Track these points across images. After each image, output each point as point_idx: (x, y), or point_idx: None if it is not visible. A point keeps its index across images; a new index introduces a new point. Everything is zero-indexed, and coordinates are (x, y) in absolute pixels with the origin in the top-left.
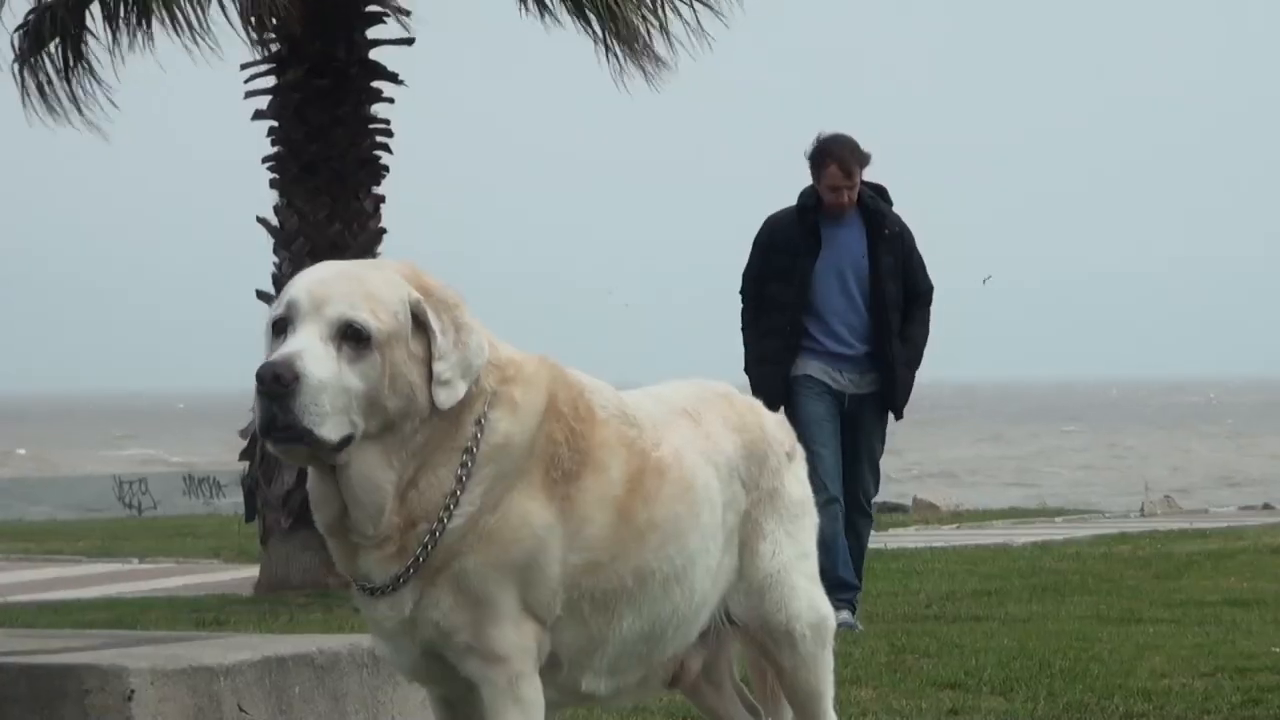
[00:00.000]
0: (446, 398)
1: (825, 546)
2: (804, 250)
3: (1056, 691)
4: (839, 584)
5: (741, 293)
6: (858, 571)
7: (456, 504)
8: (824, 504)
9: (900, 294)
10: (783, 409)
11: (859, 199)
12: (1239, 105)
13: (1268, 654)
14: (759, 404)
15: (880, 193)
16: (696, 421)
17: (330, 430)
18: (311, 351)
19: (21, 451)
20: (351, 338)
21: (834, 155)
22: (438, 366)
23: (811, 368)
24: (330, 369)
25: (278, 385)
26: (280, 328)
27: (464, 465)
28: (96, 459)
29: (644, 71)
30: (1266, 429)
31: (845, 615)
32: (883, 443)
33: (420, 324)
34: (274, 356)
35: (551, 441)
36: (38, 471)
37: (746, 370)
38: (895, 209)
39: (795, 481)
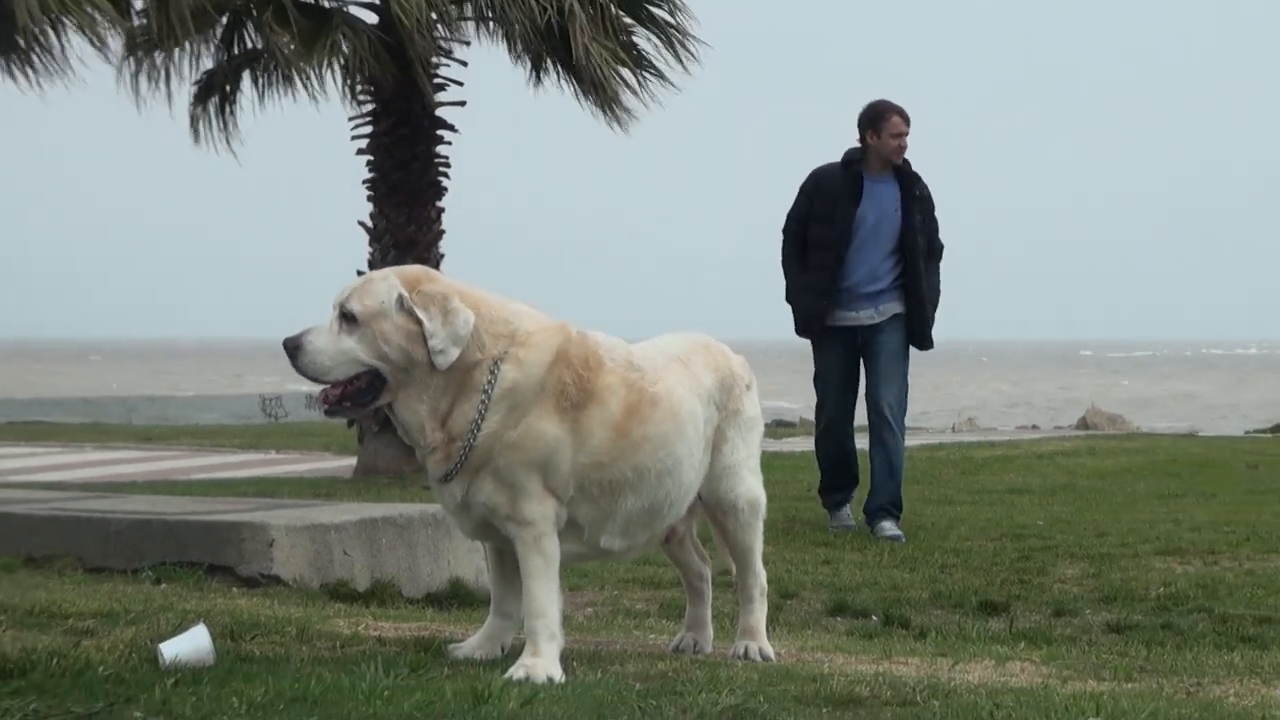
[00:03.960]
0: (441, 361)
1: (826, 459)
2: (846, 197)
3: (897, 548)
4: (838, 485)
5: (784, 231)
6: (894, 484)
7: (479, 428)
8: (825, 429)
9: (925, 246)
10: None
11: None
12: None
13: (1034, 526)
14: (727, 349)
15: (906, 162)
16: (686, 365)
17: (338, 374)
18: (318, 329)
19: (191, 367)
20: (347, 318)
21: (894, 108)
22: (430, 341)
23: (833, 316)
24: (327, 339)
25: (287, 351)
26: None
27: (483, 403)
28: (247, 383)
29: (614, 115)
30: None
31: (845, 516)
32: (902, 363)
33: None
34: (291, 334)
35: (561, 382)
36: (208, 390)
37: (789, 299)
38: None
39: (751, 404)
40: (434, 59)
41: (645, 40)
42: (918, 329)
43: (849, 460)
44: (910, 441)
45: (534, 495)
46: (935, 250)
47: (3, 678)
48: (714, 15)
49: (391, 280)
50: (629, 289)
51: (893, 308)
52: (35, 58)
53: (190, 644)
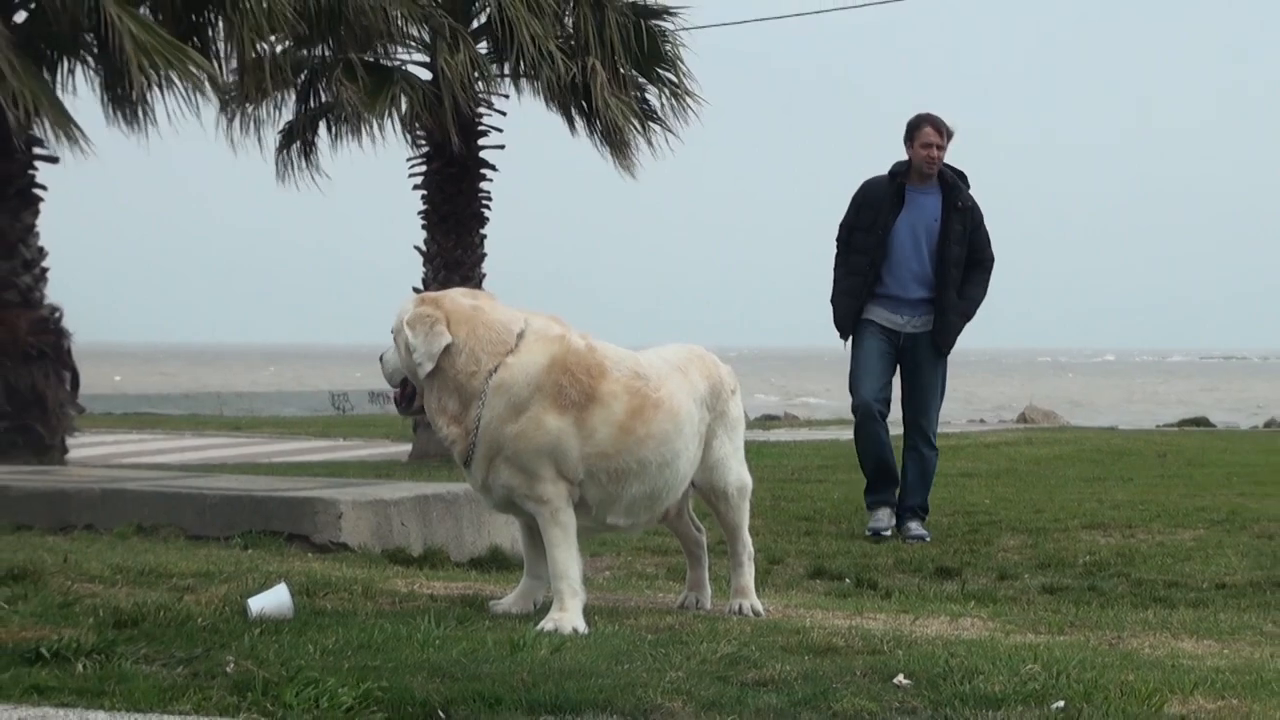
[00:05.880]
0: (420, 371)
1: (867, 456)
2: (888, 207)
3: (866, 522)
4: (879, 488)
5: (837, 239)
6: (924, 491)
7: (479, 423)
8: (862, 422)
9: (963, 256)
10: (849, 340)
11: (943, 177)
12: None
13: (982, 504)
14: (717, 359)
15: (960, 176)
16: (684, 373)
17: (395, 380)
18: (391, 346)
19: (272, 368)
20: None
21: (928, 119)
22: (413, 355)
23: (876, 314)
24: (390, 353)
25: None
26: None
27: (479, 404)
28: (320, 381)
29: (628, 160)
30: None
31: (882, 518)
32: (941, 377)
33: None
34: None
35: (557, 385)
36: (288, 387)
37: (831, 300)
38: (970, 191)
39: (735, 406)
40: (478, 109)
41: (655, 97)
42: (938, 333)
43: (889, 462)
44: None
45: (547, 478)
46: (981, 261)
47: (118, 627)
48: (711, 76)
49: (407, 305)
50: (641, 297)
51: (931, 320)
52: (143, 110)
53: (273, 599)
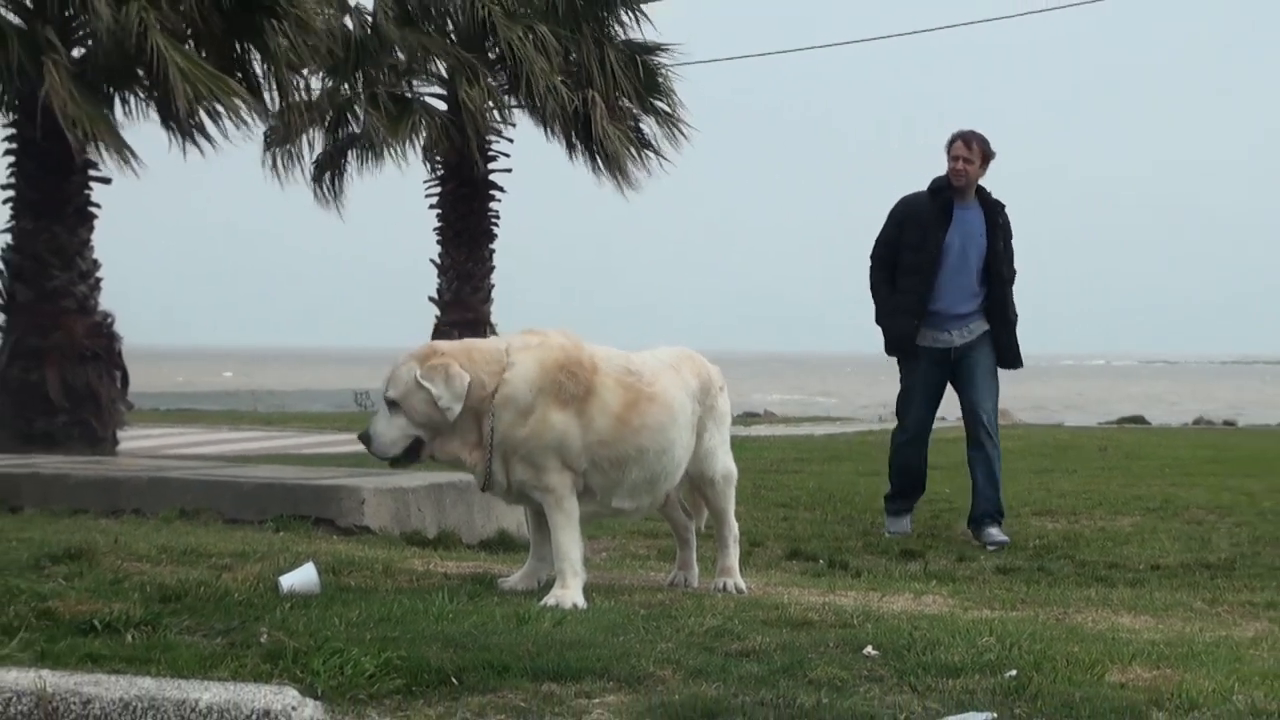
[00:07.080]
0: (449, 415)
1: (900, 472)
2: (936, 223)
3: (838, 509)
4: (899, 495)
5: (873, 256)
6: (996, 492)
7: (492, 435)
8: (905, 443)
9: (1010, 272)
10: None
11: (981, 193)
12: None
13: (943, 493)
14: (705, 359)
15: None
16: (677, 371)
17: (399, 449)
18: (377, 419)
19: (315, 369)
20: (390, 404)
21: (960, 135)
22: (439, 403)
23: (924, 336)
24: (385, 425)
25: (362, 442)
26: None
27: (490, 419)
28: (339, 379)
29: (624, 183)
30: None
31: (904, 524)
32: (996, 377)
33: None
34: (362, 430)
35: (556, 383)
36: (315, 386)
37: (879, 321)
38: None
39: (723, 402)
40: (488, 137)
41: (649, 126)
42: (1006, 350)
43: (922, 476)
44: (848, 429)
45: (553, 470)
46: (1009, 276)
47: (163, 601)
48: (701, 101)
49: (410, 364)
50: (636, 306)
51: (981, 326)
52: (194, 136)
53: (303, 577)
